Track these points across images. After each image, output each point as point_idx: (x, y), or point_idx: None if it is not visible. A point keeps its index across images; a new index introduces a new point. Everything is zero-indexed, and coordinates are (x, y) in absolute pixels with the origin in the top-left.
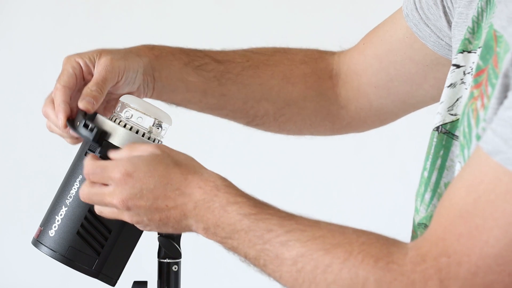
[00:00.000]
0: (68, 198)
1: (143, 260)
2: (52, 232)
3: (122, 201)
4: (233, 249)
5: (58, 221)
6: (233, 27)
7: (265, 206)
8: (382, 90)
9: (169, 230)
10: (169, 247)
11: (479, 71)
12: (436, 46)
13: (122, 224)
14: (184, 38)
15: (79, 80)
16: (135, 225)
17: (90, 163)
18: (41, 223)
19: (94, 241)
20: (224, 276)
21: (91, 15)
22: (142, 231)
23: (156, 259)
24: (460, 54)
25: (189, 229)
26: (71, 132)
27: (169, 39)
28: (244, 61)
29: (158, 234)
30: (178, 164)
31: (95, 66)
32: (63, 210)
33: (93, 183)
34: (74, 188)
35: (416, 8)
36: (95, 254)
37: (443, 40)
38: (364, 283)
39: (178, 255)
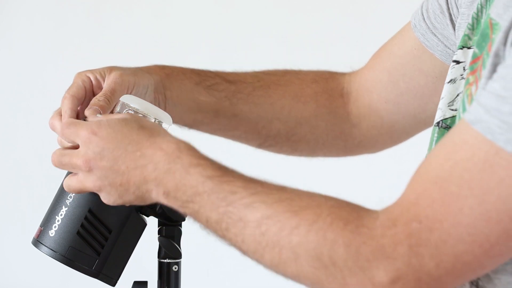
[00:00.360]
0: (68, 198)
1: (143, 260)
2: (52, 232)
3: (85, 161)
4: (194, 213)
5: (58, 221)
6: (233, 27)
7: (229, 169)
8: (393, 105)
9: (130, 198)
10: (169, 247)
11: (475, 59)
12: (443, 55)
13: (123, 224)
14: (184, 38)
15: (88, 93)
16: (100, 194)
17: (67, 120)
18: (41, 223)
19: (94, 241)
20: (224, 276)
21: (91, 15)
22: (142, 231)
23: (156, 259)
24: (460, 50)
25: (149, 195)
26: None
27: (169, 39)
28: (255, 81)
29: (159, 234)
30: (143, 127)
31: (105, 80)
32: (63, 210)
33: (63, 147)
34: None
35: (424, 18)
36: (95, 254)
37: (450, 49)
38: (332, 246)
39: (178, 255)
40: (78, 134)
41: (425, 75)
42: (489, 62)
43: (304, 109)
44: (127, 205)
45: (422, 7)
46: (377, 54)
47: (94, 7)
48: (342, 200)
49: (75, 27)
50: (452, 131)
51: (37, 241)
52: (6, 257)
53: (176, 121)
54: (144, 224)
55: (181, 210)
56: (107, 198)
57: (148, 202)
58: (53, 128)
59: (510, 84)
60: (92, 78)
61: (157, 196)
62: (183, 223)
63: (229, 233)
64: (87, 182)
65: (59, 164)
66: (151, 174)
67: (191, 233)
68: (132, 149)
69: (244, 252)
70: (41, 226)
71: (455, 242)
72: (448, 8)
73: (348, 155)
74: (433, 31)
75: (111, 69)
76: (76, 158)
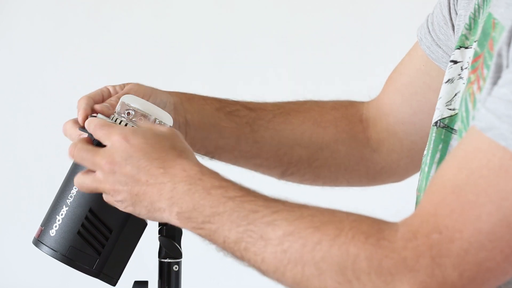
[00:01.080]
0: (69, 197)
1: (144, 260)
2: (53, 232)
3: (109, 162)
4: (211, 234)
5: (59, 220)
6: (233, 27)
7: (251, 190)
8: (409, 126)
9: (142, 210)
10: (170, 247)
11: (476, 57)
12: None
13: (123, 223)
14: (184, 38)
15: (106, 99)
16: (114, 197)
17: (101, 121)
18: (42, 223)
19: (95, 240)
20: (224, 276)
21: (91, 15)
22: (143, 230)
23: (157, 259)
24: (457, 50)
25: (160, 215)
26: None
27: (169, 39)
28: (275, 109)
29: (159, 233)
30: (174, 147)
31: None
32: (64, 210)
33: (88, 142)
34: (75, 188)
35: (429, 31)
36: (96, 253)
37: None
38: (354, 260)
39: (179, 255)
40: (110, 137)
41: (436, 92)
42: (493, 62)
43: (324, 134)
44: (135, 215)
45: (427, 20)
46: (389, 77)
47: (94, 7)
48: (363, 214)
49: (75, 27)
50: (463, 140)
51: (37, 241)
52: (6, 257)
53: (198, 149)
54: (144, 224)
55: (194, 231)
56: (120, 203)
57: (157, 220)
58: (65, 131)
59: None
60: (111, 89)
61: (169, 216)
62: None
63: (248, 253)
64: (106, 183)
65: (78, 158)
66: (167, 193)
67: (191, 232)
68: (157, 165)
69: (264, 271)
70: (41, 225)
71: (477, 250)
72: (451, 18)
73: (371, 183)
74: (438, 43)
75: (132, 83)
76: (101, 157)
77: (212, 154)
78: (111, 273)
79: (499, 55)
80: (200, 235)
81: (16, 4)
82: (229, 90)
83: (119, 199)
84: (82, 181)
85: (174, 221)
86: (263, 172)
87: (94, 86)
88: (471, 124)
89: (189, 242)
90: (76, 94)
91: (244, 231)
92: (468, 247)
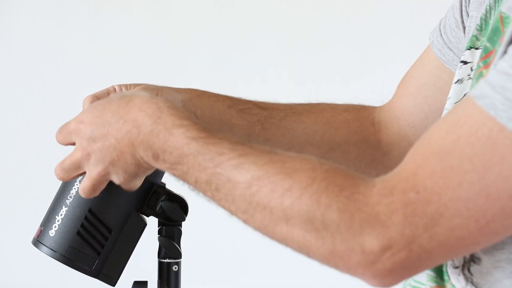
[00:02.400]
0: (68, 198)
1: (143, 260)
2: (52, 232)
3: (82, 150)
4: (183, 175)
5: (58, 221)
6: (233, 27)
7: (214, 130)
8: (420, 130)
9: (133, 169)
10: (169, 247)
11: (488, 53)
12: None
13: (123, 224)
14: (184, 38)
15: None
16: (111, 178)
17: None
18: (41, 223)
19: (94, 241)
20: (224, 276)
21: (91, 15)
22: (142, 231)
23: (156, 259)
24: (468, 51)
25: (143, 161)
26: None
27: (169, 39)
28: (287, 109)
29: (159, 234)
30: (123, 96)
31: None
32: (63, 210)
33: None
34: (74, 188)
35: (441, 34)
36: (95, 254)
37: None
38: (326, 210)
39: (178, 255)
40: (69, 131)
41: (446, 95)
42: (500, 50)
43: (336, 135)
44: (137, 180)
45: (440, 24)
46: (401, 81)
47: (94, 7)
48: (337, 165)
49: (75, 27)
50: (457, 105)
51: (37, 241)
52: (6, 257)
53: None
54: (144, 224)
55: (170, 172)
56: (117, 179)
57: (149, 168)
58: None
59: None
60: (117, 89)
61: (148, 160)
62: (183, 223)
63: (219, 193)
64: (93, 172)
65: (65, 175)
66: (136, 139)
67: (191, 233)
68: (115, 120)
69: (234, 212)
70: (41, 226)
71: (452, 216)
72: (463, 21)
73: None
74: (449, 45)
75: (138, 84)
76: (76, 153)
77: None
78: (111, 273)
79: (511, 42)
80: (175, 175)
81: (16, 4)
82: (229, 90)
83: (113, 177)
84: (82, 188)
85: (153, 163)
86: None
87: (94, 86)
88: (468, 93)
89: (189, 242)
90: (76, 94)
91: (212, 173)
92: (444, 211)
